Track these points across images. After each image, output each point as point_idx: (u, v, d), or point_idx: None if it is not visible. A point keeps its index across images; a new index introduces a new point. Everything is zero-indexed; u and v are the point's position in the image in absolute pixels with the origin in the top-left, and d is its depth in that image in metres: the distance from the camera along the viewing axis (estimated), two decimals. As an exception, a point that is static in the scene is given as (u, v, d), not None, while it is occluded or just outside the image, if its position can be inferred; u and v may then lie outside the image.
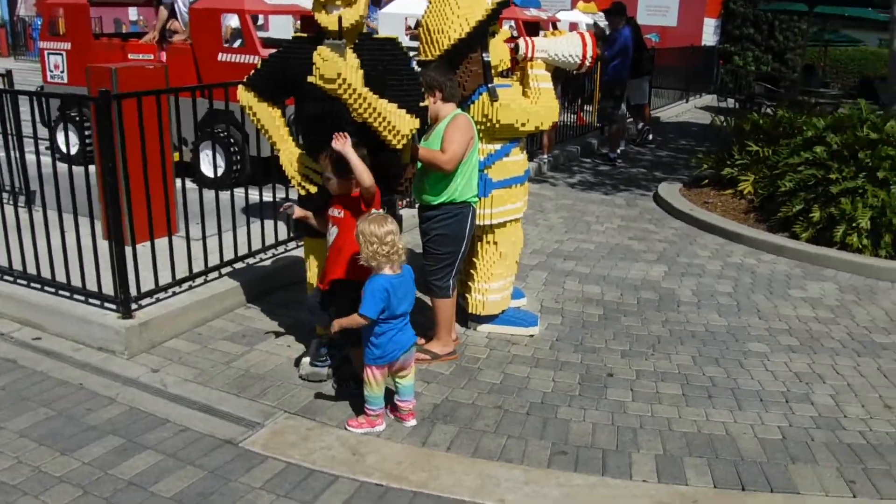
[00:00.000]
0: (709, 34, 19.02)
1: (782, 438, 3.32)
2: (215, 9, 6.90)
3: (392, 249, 3.08)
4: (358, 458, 3.09)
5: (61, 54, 7.69)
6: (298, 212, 3.54)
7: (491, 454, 3.15)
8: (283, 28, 11.02)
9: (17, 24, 23.06)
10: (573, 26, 11.96)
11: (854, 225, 5.84)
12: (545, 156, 8.96)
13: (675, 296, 5.08)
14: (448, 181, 3.73)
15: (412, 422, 3.35)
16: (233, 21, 7.39)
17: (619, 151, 9.86)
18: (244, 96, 3.52)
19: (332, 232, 3.41)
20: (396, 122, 3.30)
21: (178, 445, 3.13)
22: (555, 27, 10.99)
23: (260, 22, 9.54)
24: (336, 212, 3.39)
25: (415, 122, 3.39)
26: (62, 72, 7.71)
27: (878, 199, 5.84)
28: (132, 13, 21.07)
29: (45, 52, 7.78)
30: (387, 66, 3.34)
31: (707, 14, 18.92)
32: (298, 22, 11.11)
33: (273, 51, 3.64)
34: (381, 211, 3.29)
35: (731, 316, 4.75)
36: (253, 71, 3.53)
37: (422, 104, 3.45)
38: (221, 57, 6.87)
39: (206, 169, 6.82)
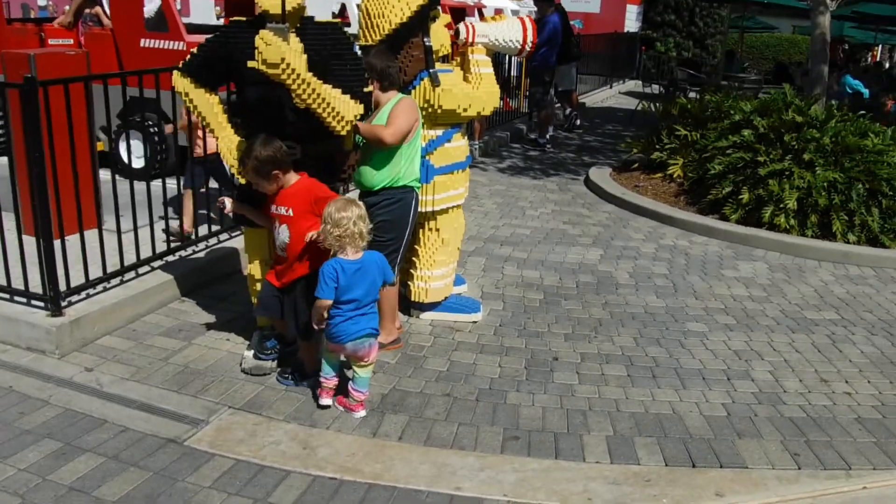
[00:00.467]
0: (631, 20, 19.47)
1: (727, 415, 3.45)
2: (136, -8, 6.59)
3: (344, 233, 3.05)
4: (309, 452, 3.04)
5: None
6: (231, 206, 3.43)
7: (444, 442, 3.15)
8: (204, 13, 10.66)
9: None
10: (497, 13, 12.00)
11: (781, 206, 6.10)
12: (476, 142, 8.98)
13: (613, 278, 5.20)
14: (391, 165, 3.67)
15: (361, 412, 3.31)
16: (152, 5, 7.09)
17: (548, 137, 9.98)
18: (180, 82, 3.37)
19: (282, 231, 3.30)
20: (340, 107, 3.22)
21: (119, 447, 3.00)
22: (481, 14, 11.01)
23: (178, 7, 9.20)
24: (283, 209, 3.29)
25: (359, 108, 3.32)
26: (-30, 57, 7.22)
27: (804, 180, 6.11)
28: None
29: None
30: (330, 50, 3.26)
31: (629, 1, 19.36)
32: (219, 7, 10.77)
33: (207, 36, 3.50)
34: (348, 196, 3.26)
35: (669, 297, 4.90)
36: (189, 56, 3.38)
37: (366, 90, 3.38)
38: (144, 43, 6.59)
39: (129, 159, 6.52)
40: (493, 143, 9.69)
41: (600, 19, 18.92)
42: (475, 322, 4.33)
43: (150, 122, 6.47)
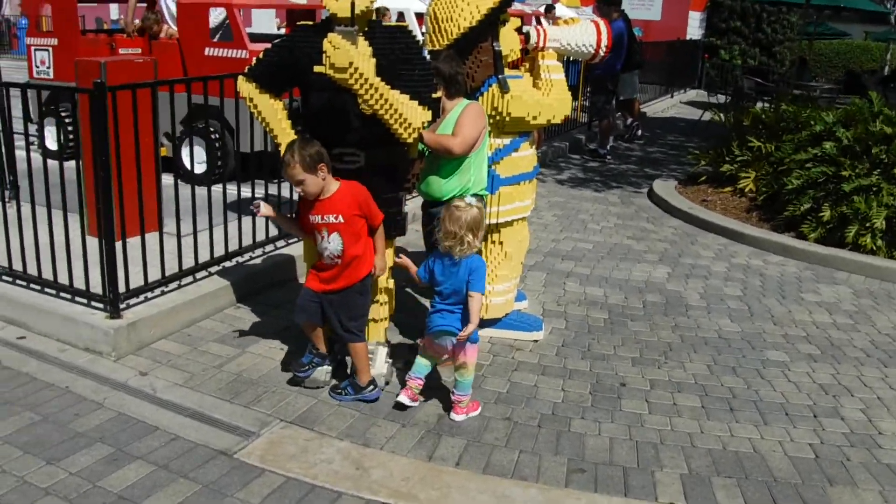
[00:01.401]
0: (693, 28, 18.94)
1: (815, 457, 3.16)
2: (203, 3, 6.68)
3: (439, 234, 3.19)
4: (362, 473, 2.90)
5: (48, 50, 7.45)
6: (265, 210, 3.32)
7: (504, 471, 2.97)
8: (265, 24, 10.78)
9: (2, 23, 22.92)
10: (606, 21, 11.72)
11: (868, 225, 5.68)
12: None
13: (683, 299, 4.93)
14: (460, 174, 3.51)
15: (457, 416, 3.28)
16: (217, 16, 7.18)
17: (608, 147, 9.70)
18: (245, 87, 3.29)
19: (332, 240, 3.19)
20: (408, 114, 3.09)
21: (170, 456, 2.92)
22: (538, 21, 10.80)
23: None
24: (331, 217, 3.17)
25: (427, 115, 3.18)
26: (48, 67, 7.48)
27: (894, 197, 5.68)
28: (113, 11, 21.04)
29: (32, 49, 7.55)
30: (399, 55, 3.13)
31: (692, 7, 18.84)
32: (279, 19, 10.89)
33: (268, 44, 3.42)
34: (470, 199, 3.23)
35: (744, 321, 4.61)
36: (254, 61, 3.30)
37: (434, 95, 3.24)
38: (208, 51, 6.65)
39: (191, 163, 6.57)
40: (552, 154, 9.46)
41: (661, 26, 18.44)
42: (536, 341, 4.14)
43: (213, 129, 6.51)
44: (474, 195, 3.47)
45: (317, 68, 2.91)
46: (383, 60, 3.06)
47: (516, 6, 11.97)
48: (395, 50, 3.14)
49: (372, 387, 3.37)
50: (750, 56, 18.63)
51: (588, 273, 5.33)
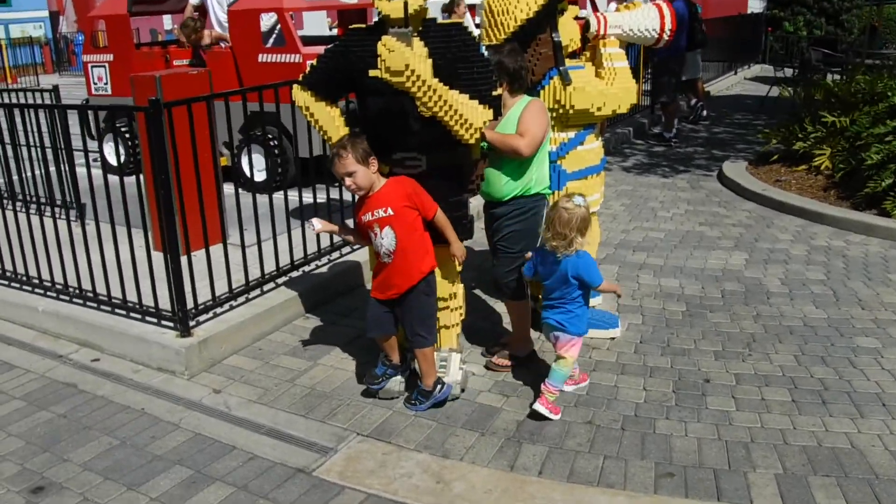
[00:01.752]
0: (754, 1, 18.22)
1: (923, 452, 2.95)
2: (254, 9, 6.68)
3: (545, 232, 3.21)
4: (443, 487, 2.82)
5: (104, 66, 7.62)
6: (320, 226, 3.28)
7: (589, 478, 2.85)
8: (317, 25, 10.79)
9: (60, 41, 23.74)
10: (669, 3, 11.40)
11: (954, 198, 5.35)
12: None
13: (763, 286, 4.68)
14: (521, 173, 3.41)
15: (539, 407, 3.21)
16: (269, 21, 7.19)
17: (674, 131, 9.38)
18: (300, 96, 3.25)
19: (386, 235, 3.12)
20: (469, 114, 2.99)
21: (248, 476, 2.90)
22: (595, 7, 10.51)
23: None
24: (381, 211, 3.10)
25: (488, 114, 3.08)
26: (106, 83, 7.65)
27: (982, 167, 5.33)
28: (167, 22, 21.53)
29: (89, 66, 7.75)
30: (456, 53, 3.03)
31: (753, -20, 18.14)
32: (330, 19, 10.88)
33: (322, 47, 3.37)
34: (578, 199, 3.17)
35: (830, 307, 4.35)
36: (308, 69, 3.25)
37: (494, 93, 3.13)
38: (262, 58, 6.66)
39: (252, 172, 6.63)
40: (615, 141, 9.21)
41: (721, 2, 17.81)
42: (613, 338, 3.99)
43: (271, 136, 6.53)
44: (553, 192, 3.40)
45: (372, 73, 2.83)
46: (440, 60, 2.96)
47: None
48: (452, 48, 3.04)
49: (440, 386, 3.31)
50: (816, 26, 17.80)
51: (662, 264, 5.13)
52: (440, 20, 3.21)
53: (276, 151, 6.55)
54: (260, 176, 6.65)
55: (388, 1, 2.90)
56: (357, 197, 3.20)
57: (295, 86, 3.29)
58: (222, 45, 7.22)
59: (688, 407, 3.32)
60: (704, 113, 10.64)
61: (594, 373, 3.64)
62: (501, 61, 3.27)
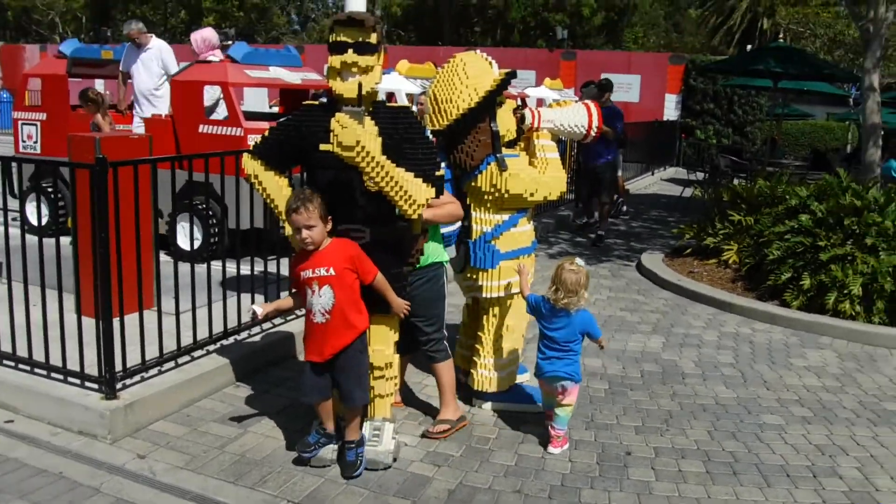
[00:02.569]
0: (670, 109, 19.70)
1: (823, 519, 3.17)
2: (198, 81, 6.83)
3: (556, 292, 3.62)
4: (374, 553, 2.83)
5: (35, 124, 7.53)
6: (264, 309, 3.37)
7: (518, 544, 2.92)
8: (257, 102, 11.01)
9: None
10: (539, 102, 12.17)
11: (846, 292, 5.86)
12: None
13: (679, 368, 4.97)
14: (426, 245, 3.66)
15: (554, 450, 3.66)
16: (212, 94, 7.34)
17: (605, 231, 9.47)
18: (250, 164, 3.38)
19: (324, 294, 3.21)
20: (413, 190, 3.18)
21: (173, 543, 2.84)
22: (524, 103, 11.17)
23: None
24: (323, 270, 3.20)
25: (430, 191, 3.28)
26: (35, 142, 7.53)
27: (868, 265, 5.89)
28: (98, 86, 21.30)
29: (19, 123, 7.62)
30: (403, 134, 3.25)
31: (668, 90, 19.66)
32: (273, 99, 11.14)
33: (263, 123, 3.54)
34: (579, 261, 3.67)
35: (739, 387, 4.65)
36: (260, 139, 3.40)
37: (438, 173, 3.35)
38: (203, 129, 6.76)
39: (183, 241, 6.61)
40: (541, 230, 9.61)
41: (639, 108, 19.15)
42: (541, 412, 4.12)
43: (204, 206, 6.55)
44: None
45: (323, 146, 3.01)
46: (388, 139, 3.18)
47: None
48: (399, 129, 3.26)
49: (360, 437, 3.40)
50: (724, 135, 19.36)
51: (586, 344, 5.26)
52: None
53: (213, 222, 6.57)
54: (194, 244, 6.61)
55: (343, 82, 3.12)
56: (296, 251, 3.30)
57: (245, 154, 3.42)
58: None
59: (611, 477, 3.47)
60: (624, 208, 11.29)
61: (522, 445, 3.76)
62: None
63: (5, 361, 3.98)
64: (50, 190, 7.08)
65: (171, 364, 4.07)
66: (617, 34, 34.80)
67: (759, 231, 6.97)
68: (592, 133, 4.18)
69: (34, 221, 7.26)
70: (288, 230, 3.30)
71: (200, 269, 4.45)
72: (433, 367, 3.84)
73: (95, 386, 3.70)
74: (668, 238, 9.19)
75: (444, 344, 3.80)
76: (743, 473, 3.54)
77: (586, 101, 4.24)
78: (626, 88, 19.15)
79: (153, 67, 7.55)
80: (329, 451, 3.42)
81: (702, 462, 3.65)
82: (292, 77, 7.23)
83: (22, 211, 7.01)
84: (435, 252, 3.74)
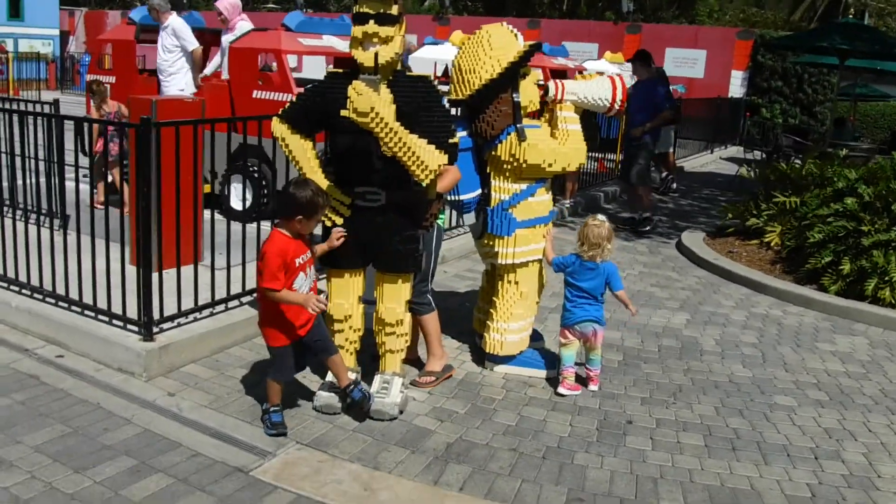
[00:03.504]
0: (736, 86, 19.14)
1: (811, 496, 3.22)
2: (253, 48, 7.10)
3: (581, 246, 4.06)
4: (369, 494, 3.05)
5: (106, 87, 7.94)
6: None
7: (505, 497, 3.09)
8: (316, 69, 11.27)
9: (67, 60, 24.18)
10: (622, 77, 12.00)
11: (886, 279, 5.73)
12: (567, 201, 8.95)
13: (698, 344, 5.00)
14: None
15: (594, 387, 4.12)
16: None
17: (646, 213, 8.66)
18: (278, 128, 3.58)
19: (310, 272, 3.43)
20: (425, 156, 3.33)
21: (189, 470, 3.11)
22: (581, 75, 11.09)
23: (294, 64, 9.76)
24: (308, 255, 3.42)
25: (443, 158, 3.41)
26: (106, 104, 7.93)
27: (912, 252, 5.74)
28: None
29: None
30: (420, 102, 3.39)
31: (734, 66, 19.07)
32: (331, 65, 11.39)
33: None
34: (601, 216, 4.07)
35: (756, 367, 4.66)
36: (288, 104, 3.60)
37: (452, 140, 3.48)
38: (256, 94, 7.03)
39: (235, 201, 6.93)
40: (586, 203, 9.62)
41: (704, 84, 18.71)
42: (549, 379, 4.26)
43: (254, 168, 6.85)
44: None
45: (342, 112, 3.18)
46: (405, 107, 3.32)
47: (559, 60, 12.34)
48: (417, 98, 3.40)
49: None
50: (791, 115, 18.70)
51: (608, 317, 5.35)
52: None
53: (263, 184, 6.86)
54: (239, 204, 6.94)
55: (363, 51, 3.27)
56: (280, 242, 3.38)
57: (275, 118, 3.62)
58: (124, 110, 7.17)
59: (607, 443, 3.59)
60: (674, 185, 11.14)
61: (527, 407, 3.90)
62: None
63: (60, 303, 4.35)
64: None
65: (207, 312, 4.36)
66: (689, 7, 33.66)
67: (803, 213, 6.84)
68: (616, 106, 4.22)
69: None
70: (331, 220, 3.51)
71: (251, 228, 4.69)
72: (417, 319, 4.00)
73: (135, 329, 4.03)
74: (716, 218, 9.06)
75: (428, 298, 3.99)
76: (742, 450, 3.60)
77: (612, 74, 4.27)
78: (692, 63, 18.71)
79: (168, 46, 7.46)
80: (339, 400, 3.64)
81: (702, 436, 3.72)
82: (344, 45, 7.42)
83: (91, 167, 7.47)
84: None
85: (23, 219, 4.70)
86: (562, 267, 4.15)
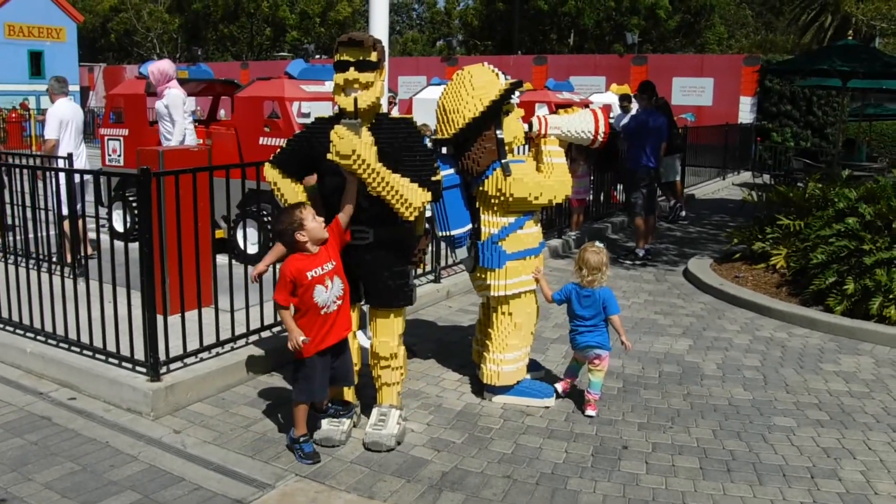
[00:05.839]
0: (745, 112, 19.22)
1: (801, 514, 3.24)
2: (258, 97, 7.39)
3: (581, 272, 4.25)
4: (364, 524, 3.13)
5: (119, 140, 8.29)
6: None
7: (497, 523, 3.15)
8: (325, 113, 11.56)
9: (87, 114, 24.98)
10: (606, 109, 12.20)
11: (891, 297, 5.73)
12: (573, 232, 9.04)
13: (699, 369, 5.03)
14: None
15: (590, 412, 4.21)
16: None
17: (645, 248, 8.54)
18: (270, 173, 3.75)
19: (335, 284, 3.53)
20: (409, 194, 3.47)
21: (190, 503, 3.22)
22: (563, 109, 11.23)
23: (307, 110, 10.03)
24: (329, 265, 3.51)
25: (426, 195, 3.56)
26: (119, 155, 8.30)
27: (915, 270, 5.74)
28: (191, 103, 22.82)
29: (105, 139, 8.41)
30: (402, 143, 3.55)
31: (743, 93, 19.19)
32: (336, 107, 11.72)
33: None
34: (599, 244, 4.32)
35: (757, 390, 4.68)
36: (279, 150, 3.78)
37: (434, 178, 3.62)
38: (263, 141, 7.29)
39: (245, 245, 7.14)
40: (591, 234, 9.70)
41: (713, 112, 18.85)
42: (547, 407, 4.32)
43: (265, 213, 7.06)
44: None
45: (328, 155, 3.35)
46: (387, 148, 3.48)
47: (565, 95, 12.55)
48: (398, 138, 3.56)
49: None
50: (802, 138, 18.71)
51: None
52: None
53: (270, 227, 7.06)
54: (253, 248, 7.15)
55: (345, 97, 3.45)
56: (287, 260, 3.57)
57: (266, 163, 3.80)
58: None
59: (601, 468, 3.63)
60: (683, 213, 11.18)
61: (523, 436, 3.96)
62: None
63: (73, 347, 4.53)
64: (132, 199, 7.79)
65: (213, 353, 4.50)
66: (695, 35, 33.97)
67: (807, 235, 6.87)
68: (599, 139, 4.35)
69: (119, 227, 8.04)
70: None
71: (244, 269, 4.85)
72: None
73: (143, 370, 4.18)
74: (724, 243, 9.07)
75: None
76: (737, 471, 3.63)
77: (593, 107, 4.41)
78: (699, 92, 18.86)
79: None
80: (338, 433, 3.74)
81: (697, 459, 3.75)
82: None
83: (109, 218, 7.78)
84: None
85: (36, 267, 4.90)
86: (563, 299, 4.34)
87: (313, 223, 3.48)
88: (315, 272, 3.52)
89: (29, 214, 5.20)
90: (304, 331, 3.55)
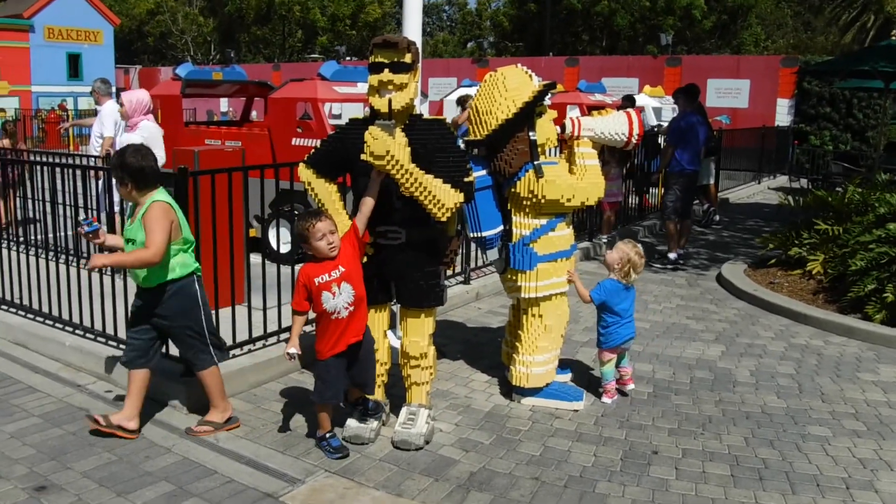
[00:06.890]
0: (782, 114, 18.91)
1: (833, 524, 3.18)
2: (291, 98, 7.47)
3: (625, 270, 4.40)
4: (392, 521, 3.15)
5: None
6: (296, 348, 3.63)
7: (524, 524, 3.15)
8: (357, 114, 11.68)
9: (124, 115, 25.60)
10: (638, 110, 12.10)
11: (930, 306, 5.60)
12: (605, 235, 8.98)
13: (732, 376, 4.97)
14: (163, 265, 3.70)
15: (631, 386, 4.55)
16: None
17: (678, 252, 8.41)
18: (304, 173, 3.79)
19: (345, 290, 3.51)
20: (441, 195, 3.49)
21: (223, 495, 3.28)
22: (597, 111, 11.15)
23: (337, 111, 10.12)
24: (339, 270, 3.51)
25: (459, 196, 3.57)
26: (156, 156, 8.43)
27: (954, 278, 5.60)
28: (223, 104, 23.37)
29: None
30: (435, 144, 3.56)
31: (780, 94, 18.87)
32: (367, 109, 11.82)
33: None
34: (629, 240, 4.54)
35: (792, 398, 4.60)
36: (313, 150, 3.82)
37: (467, 179, 3.63)
38: (295, 141, 7.37)
39: (277, 244, 7.23)
40: (623, 237, 9.60)
41: (749, 114, 18.58)
42: (576, 410, 4.30)
43: (297, 213, 7.13)
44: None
45: (361, 156, 3.38)
46: (421, 149, 3.50)
47: (597, 97, 12.49)
48: (432, 140, 3.57)
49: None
50: (842, 141, 18.33)
51: (640, 350, 5.44)
52: (428, 114, 3.77)
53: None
54: (285, 248, 7.23)
55: (379, 98, 3.48)
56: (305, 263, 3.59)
57: (301, 164, 3.84)
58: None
59: (631, 473, 3.61)
60: (717, 217, 11.03)
61: (552, 438, 3.96)
62: (124, 161, 3.57)
63: (110, 342, 4.63)
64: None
65: (245, 350, 4.57)
66: (731, 36, 33.47)
67: (845, 241, 6.73)
68: (633, 140, 4.32)
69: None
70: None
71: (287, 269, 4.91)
72: (197, 375, 3.88)
73: (179, 365, 4.25)
74: (758, 248, 8.93)
75: (208, 352, 3.85)
76: (769, 480, 3.58)
77: (627, 109, 4.38)
78: (735, 94, 18.60)
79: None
80: (367, 431, 3.77)
81: (728, 466, 3.70)
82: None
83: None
84: (174, 268, 3.73)
85: (76, 264, 5.03)
86: (604, 297, 4.40)
87: (319, 242, 3.48)
88: (322, 279, 3.53)
89: (70, 213, 5.33)
90: (319, 335, 3.62)
